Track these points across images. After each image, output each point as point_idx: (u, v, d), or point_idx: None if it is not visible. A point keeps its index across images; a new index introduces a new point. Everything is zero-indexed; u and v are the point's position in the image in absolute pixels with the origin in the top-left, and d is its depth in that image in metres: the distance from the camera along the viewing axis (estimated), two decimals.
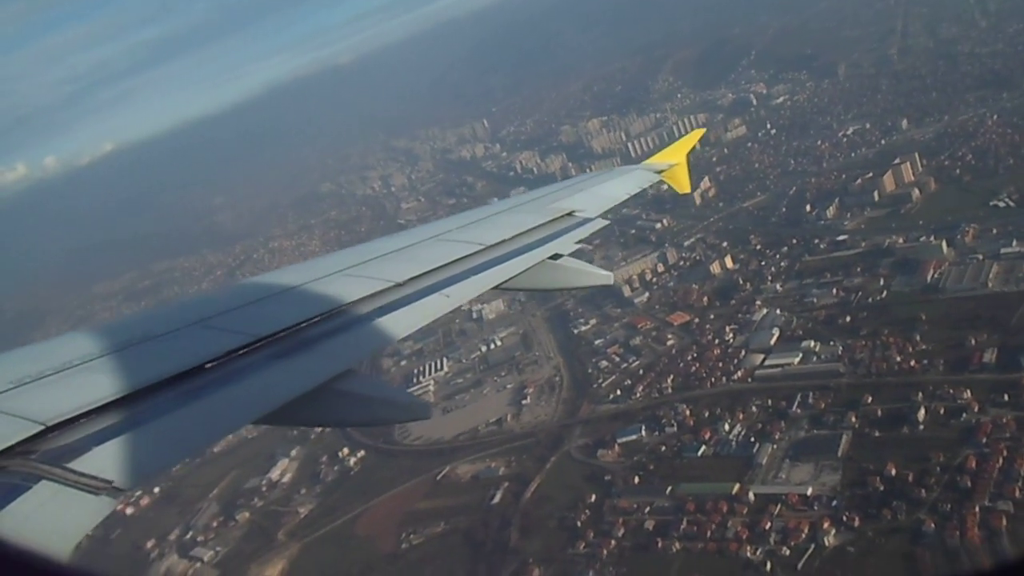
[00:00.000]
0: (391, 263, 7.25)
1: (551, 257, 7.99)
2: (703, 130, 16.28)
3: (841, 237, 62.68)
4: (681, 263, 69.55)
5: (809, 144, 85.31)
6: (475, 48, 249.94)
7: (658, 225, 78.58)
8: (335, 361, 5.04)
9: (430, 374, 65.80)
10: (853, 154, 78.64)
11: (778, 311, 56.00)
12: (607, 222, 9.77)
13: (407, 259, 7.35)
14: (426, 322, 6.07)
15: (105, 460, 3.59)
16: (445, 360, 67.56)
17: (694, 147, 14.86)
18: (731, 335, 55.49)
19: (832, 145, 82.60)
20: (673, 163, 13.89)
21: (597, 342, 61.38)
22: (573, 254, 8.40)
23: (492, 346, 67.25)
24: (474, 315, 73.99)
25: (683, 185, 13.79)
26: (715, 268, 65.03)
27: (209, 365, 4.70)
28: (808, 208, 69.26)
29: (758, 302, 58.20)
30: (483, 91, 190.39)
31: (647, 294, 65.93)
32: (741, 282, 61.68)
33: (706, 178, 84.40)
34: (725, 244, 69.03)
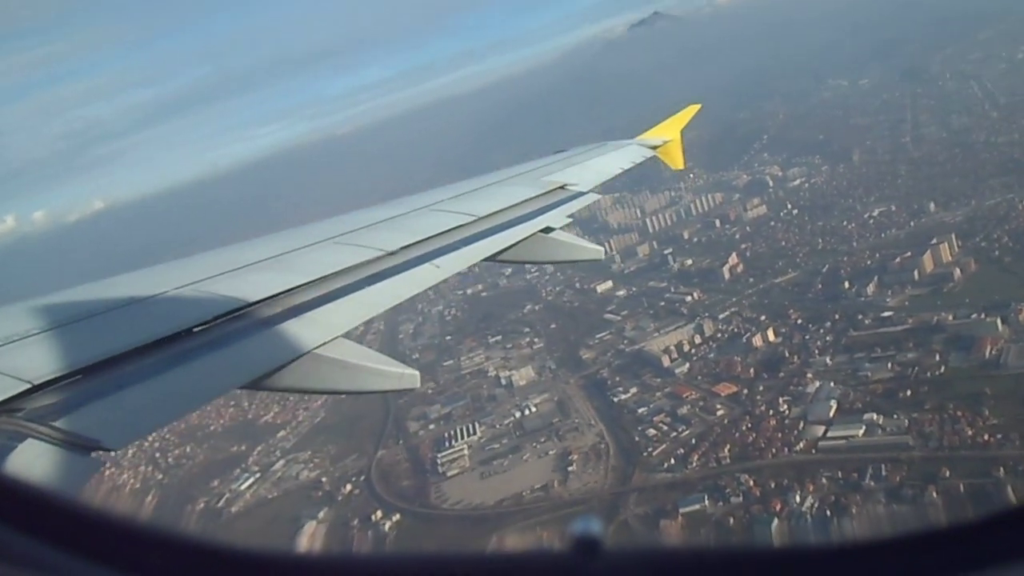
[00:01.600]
0: (382, 232, 7.27)
1: (543, 230, 8.12)
2: (698, 106, 15.78)
3: (886, 313, 62.27)
4: (719, 335, 68.66)
5: (835, 224, 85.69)
6: (476, 124, 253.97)
7: (688, 298, 77.93)
8: (324, 328, 5.07)
9: (462, 438, 63.66)
10: (883, 235, 78.98)
11: (832, 384, 55.11)
12: (599, 196, 10.14)
13: (398, 228, 7.40)
14: (416, 292, 6.26)
15: (93, 420, 3.60)
16: (477, 425, 65.53)
17: (687, 124, 14.72)
18: (785, 407, 54.29)
19: (859, 226, 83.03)
20: (667, 139, 13.86)
21: (640, 410, 59.81)
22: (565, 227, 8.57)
23: (527, 412, 65.37)
24: (503, 381, 72.36)
25: (676, 162, 14.22)
26: (757, 341, 64.17)
27: (197, 329, 4.69)
28: (847, 285, 69.10)
29: (809, 374, 57.25)
30: (485, 165, 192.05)
31: (687, 364, 64.74)
32: (787, 355, 60.79)
33: (733, 254, 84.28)
34: (763, 318, 68.39)
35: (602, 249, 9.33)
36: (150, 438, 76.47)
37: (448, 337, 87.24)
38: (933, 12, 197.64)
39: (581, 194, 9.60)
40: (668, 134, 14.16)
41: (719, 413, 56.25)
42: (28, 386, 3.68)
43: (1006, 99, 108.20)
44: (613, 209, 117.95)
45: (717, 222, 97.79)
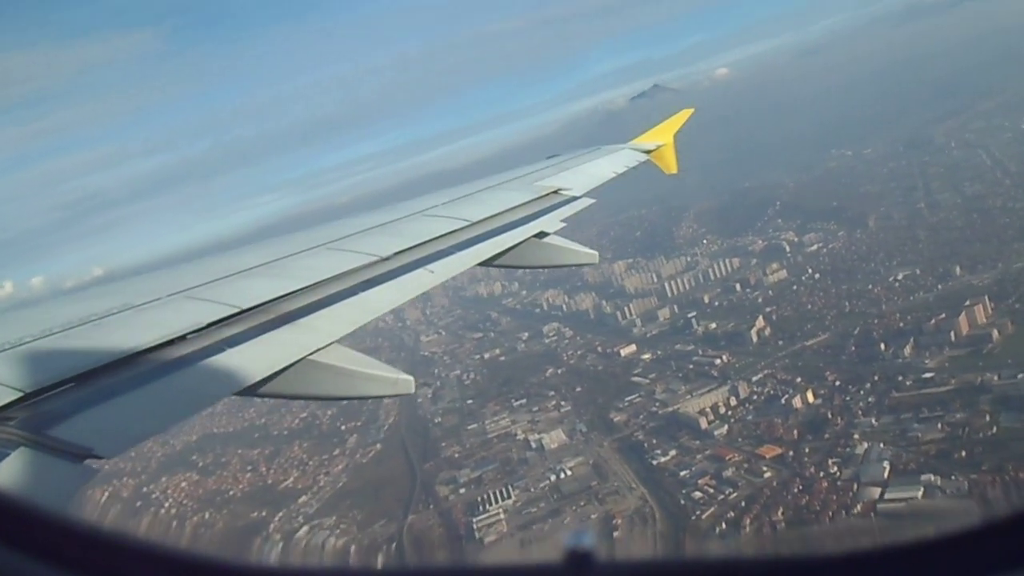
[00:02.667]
0: (375, 237, 7.30)
1: (537, 235, 8.12)
2: (691, 110, 15.91)
3: (927, 375, 61.57)
4: (754, 397, 67.67)
5: (860, 288, 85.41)
6: None
7: (717, 361, 77.05)
8: (319, 334, 5.05)
9: (497, 502, 62.01)
10: (911, 297, 78.69)
11: (882, 445, 54.08)
12: (593, 201, 10.02)
13: (391, 234, 7.41)
14: (410, 297, 6.21)
15: (85, 428, 3.56)
16: (511, 488, 63.88)
17: (680, 128, 14.96)
18: (835, 468, 53.18)
19: (885, 289, 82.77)
20: (660, 143, 13.95)
21: (683, 473, 58.43)
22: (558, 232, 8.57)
23: (562, 475, 63.84)
24: (533, 444, 70.93)
25: (670, 166, 14.24)
26: (796, 402, 63.20)
27: (191, 336, 4.67)
28: (882, 347, 68.49)
29: (856, 435, 56.26)
30: None
31: (726, 426, 63.65)
32: (830, 416, 59.82)
33: (759, 317, 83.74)
34: (799, 380, 67.49)
35: (596, 253, 9.13)
36: (166, 504, 74.55)
37: (469, 401, 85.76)
38: (930, 86, 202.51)
39: (575, 199, 9.59)
40: (661, 139, 14.14)
41: (767, 475, 55.01)
42: (20, 394, 3.64)
43: (1016, 167, 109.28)
44: (628, 274, 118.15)
45: (737, 286, 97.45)
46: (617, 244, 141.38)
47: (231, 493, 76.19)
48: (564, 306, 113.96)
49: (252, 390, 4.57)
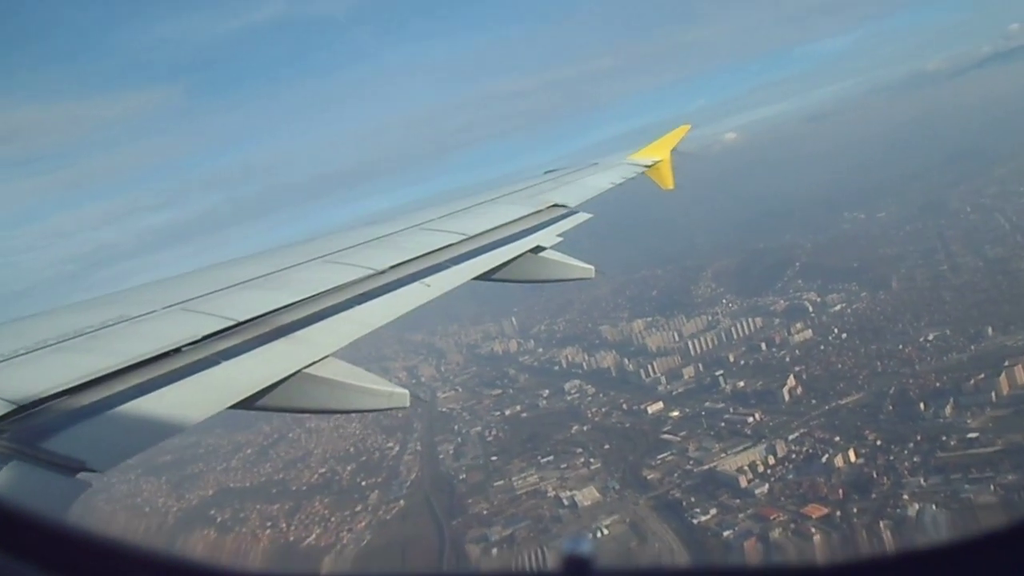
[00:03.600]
0: (372, 251, 7.31)
1: (534, 249, 8.12)
2: (688, 126, 15.98)
3: (972, 435, 60.58)
4: (793, 456, 66.46)
5: (890, 348, 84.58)
6: None
7: (750, 419, 75.97)
8: (314, 347, 5.04)
9: (533, 563, 60.25)
10: (944, 358, 77.91)
11: (934, 506, 52.82)
12: (591, 215, 10.07)
13: (388, 247, 7.40)
14: (406, 311, 6.20)
15: (78, 441, 3.53)
16: (546, 549, 62.14)
17: (677, 144, 14.96)
18: (887, 530, 51.84)
19: (917, 349, 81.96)
20: (657, 159, 14.04)
21: (726, 534, 56.95)
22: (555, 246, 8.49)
23: (599, 535, 62.20)
24: (565, 502, 69.43)
25: (666, 181, 14.16)
26: (838, 461, 62.01)
27: (186, 348, 4.64)
28: (922, 406, 67.49)
29: (905, 496, 55.04)
30: (502, 291, 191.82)
31: (766, 485, 62.34)
32: (875, 476, 58.62)
33: (790, 376, 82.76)
34: (838, 439, 66.37)
35: (592, 268, 8.89)
36: None
37: (494, 458, 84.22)
38: (941, 152, 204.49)
39: (572, 213, 9.69)
40: (658, 154, 14.19)
41: (815, 537, 53.55)
42: (13, 407, 3.60)
43: None
44: (648, 332, 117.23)
45: (763, 345, 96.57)
46: (634, 303, 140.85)
47: (251, 553, 74.34)
48: (584, 364, 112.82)
49: (247, 403, 4.49)
